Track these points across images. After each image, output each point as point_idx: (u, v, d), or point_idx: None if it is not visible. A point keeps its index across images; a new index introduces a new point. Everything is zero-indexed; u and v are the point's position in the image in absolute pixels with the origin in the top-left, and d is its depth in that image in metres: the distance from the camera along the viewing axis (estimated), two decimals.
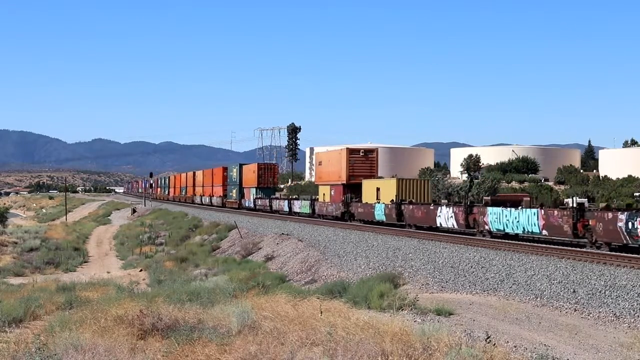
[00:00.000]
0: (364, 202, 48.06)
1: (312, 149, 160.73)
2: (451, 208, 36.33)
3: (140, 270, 45.49)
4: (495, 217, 32.46)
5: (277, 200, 67.39)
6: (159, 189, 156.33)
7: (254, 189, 74.63)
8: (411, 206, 40.68)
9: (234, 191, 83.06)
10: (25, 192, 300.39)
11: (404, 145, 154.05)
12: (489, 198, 38.74)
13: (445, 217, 36.43)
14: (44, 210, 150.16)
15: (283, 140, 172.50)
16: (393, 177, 51.09)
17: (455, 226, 35.69)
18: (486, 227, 33.17)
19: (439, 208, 37.55)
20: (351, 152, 52.19)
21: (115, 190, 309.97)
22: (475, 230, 34.21)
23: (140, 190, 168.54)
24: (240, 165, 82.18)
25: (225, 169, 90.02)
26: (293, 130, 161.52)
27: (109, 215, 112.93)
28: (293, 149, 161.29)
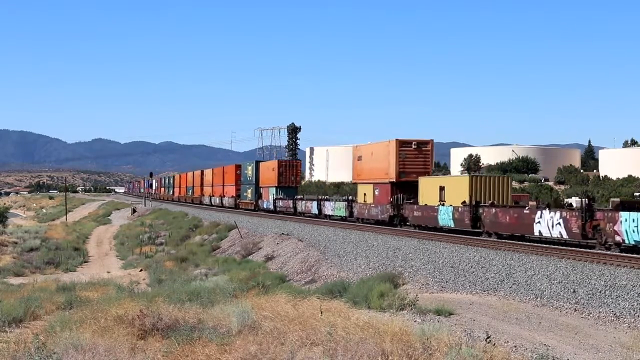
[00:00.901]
0: (421, 203, 40.26)
1: (312, 149, 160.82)
2: (558, 212, 28.84)
3: (141, 270, 45.51)
4: (635, 226, 24.54)
5: (303, 202, 59.96)
6: (162, 189, 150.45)
7: (274, 189, 67.26)
8: (494, 209, 33.04)
9: (249, 191, 75.96)
10: (25, 192, 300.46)
11: None
12: (619, 200, 30.57)
13: (549, 223, 28.99)
14: (44, 210, 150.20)
15: (283, 140, 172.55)
16: (463, 173, 45.83)
17: (565, 236, 28.41)
18: (617, 238, 25.46)
19: (539, 212, 29.81)
20: (402, 144, 43.54)
21: (115, 190, 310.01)
22: (595, 241, 26.73)
23: (142, 190, 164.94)
24: (257, 163, 75.14)
25: (238, 167, 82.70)
26: (293, 130, 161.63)
27: (109, 215, 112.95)
28: (293, 149, 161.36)
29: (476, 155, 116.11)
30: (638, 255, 23.39)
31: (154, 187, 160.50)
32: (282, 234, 44.57)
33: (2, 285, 34.90)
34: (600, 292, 19.90)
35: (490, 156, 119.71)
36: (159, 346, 14.48)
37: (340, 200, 54.06)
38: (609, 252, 24.96)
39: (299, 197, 64.49)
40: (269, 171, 69.49)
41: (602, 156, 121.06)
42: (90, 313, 17.96)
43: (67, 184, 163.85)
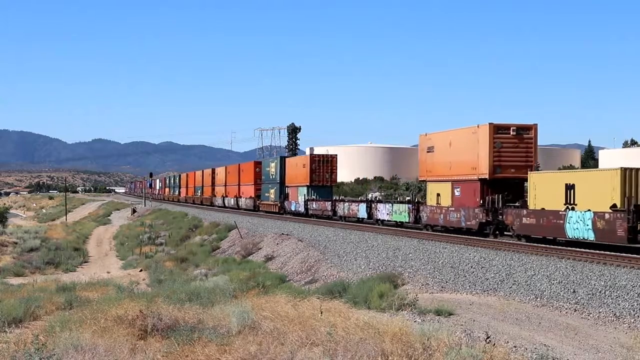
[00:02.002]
0: (534, 207, 30.35)
1: (312, 149, 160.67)
2: None
3: (140, 270, 45.51)
4: None
5: (346, 203, 51.13)
6: (167, 189, 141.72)
7: (305, 189, 57.85)
8: None
9: (272, 191, 66.52)
10: (25, 192, 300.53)
11: (404, 145, 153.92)
12: None
13: None
14: (44, 211, 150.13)
15: (283, 140, 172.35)
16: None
17: None
18: None
19: None
20: (497, 129, 33.82)
21: (115, 190, 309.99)
22: None
23: (144, 191, 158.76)
24: (282, 159, 65.96)
25: (258, 164, 73.77)
26: (293, 130, 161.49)
27: (109, 216, 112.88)
28: (293, 149, 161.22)
29: None
30: (638, 256, 23.38)
31: (157, 188, 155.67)
32: (282, 234, 44.54)
33: (2, 285, 34.88)
34: (600, 292, 19.90)
35: None
36: (159, 346, 14.47)
37: (400, 202, 44.70)
38: (608, 252, 24.94)
39: (340, 198, 57.31)
40: (299, 168, 60.12)
41: (602, 156, 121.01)
42: (90, 313, 17.96)
43: (67, 184, 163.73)
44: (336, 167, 58.41)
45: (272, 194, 66.43)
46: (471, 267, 25.69)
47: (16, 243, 59.15)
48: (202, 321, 16.50)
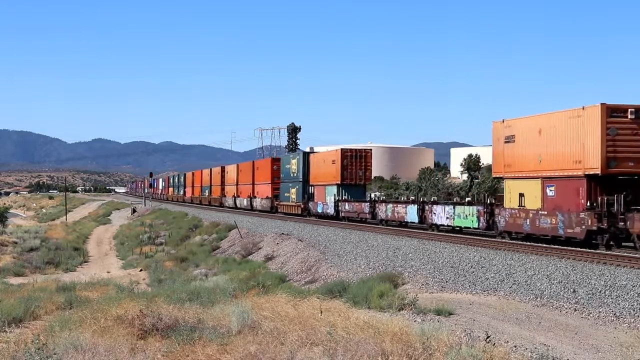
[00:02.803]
0: None
1: (311, 149, 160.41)
2: None
3: (140, 270, 45.54)
4: None
5: (389, 205, 44.15)
6: (170, 189, 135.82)
7: (335, 188, 51.20)
8: None
9: (293, 191, 59.65)
10: (25, 192, 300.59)
11: (404, 145, 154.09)
12: None
13: None
14: (44, 210, 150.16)
15: (283, 140, 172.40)
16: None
17: None
18: None
19: None
20: (611, 112, 27.05)
21: (115, 190, 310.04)
22: None
23: (146, 191, 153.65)
24: (306, 154, 59.13)
25: (275, 161, 67.51)
26: (293, 130, 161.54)
27: (109, 215, 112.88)
28: (293, 149, 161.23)
29: (476, 155, 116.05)
30: (638, 256, 23.38)
31: (160, 187, 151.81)
32: (282, 233, 44.53)
33: (2, 285, 34.90)
34: (600, 292, 19.90)
35: (490, 156, 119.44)
36: (159, 346, 14.48)
37: (466, 204, 37.00)
38: (609, 252, 24.93)
39: (380, 199, 49.64)
40: (327, 165, 53.13)
41: None
42: (90, 313, 17.96)
43: (67, 184, 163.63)
44: (371, 163, 51.69)
45: (293, 193, 59.50)
46: (471, 266, 25.69)
47: (16, 243, 59.13)
48: (202, 321, 16.50)
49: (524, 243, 29.34)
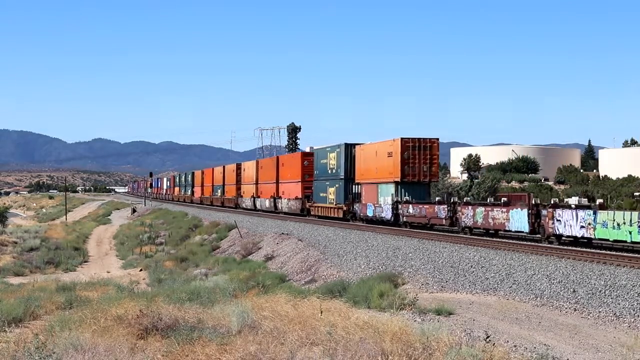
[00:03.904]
0: None
1: (311, 148, 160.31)
2: None
3: (140, 270, 45.57)
4: None
5: (478, 209, 33.97)
6: (176, 189, 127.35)
7: (393, 186, 41.65)
8: None
9: (332, 190, 50.34)
10: (25, 192, 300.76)
11: None
12: None
13: None
14: (44, 210, 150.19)
15: (283, 140, 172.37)
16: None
17: None
18: None
19: None
20: None
21: (115, 190, 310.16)
22: None
23: (149, 190, 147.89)
24: (349, 147, 48.48)
25: (306, 156, 58.54)
26: (293, 130, 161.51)
27: (109, 215, 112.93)
28: (293, 149, 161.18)
29: (476, 155, 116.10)
30: (638, 255, 23.37)
31: (165, 187, 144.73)
32: (282, 233, 44.55)
33: (2, 285, 34.92)
34: (600, 292, 19.90)
35: (490, 156, 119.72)
36: (158, 346, 14.48)
37: (615, 209, 30.16)
38: (609, 252, 24.93)
39: (465, 201, 39.48)
40: (380, 158, 43.60)
41: (602, 156, 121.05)
42: (90, 313, 17.95)
43: (67, 184, 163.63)
44: (437, 156, 42.20)
45: (331, 193, 50.10)
46: (471, 266, 25.69)
47: (16, 242, 59.18)
48: (202, 321, 16.50)
49: (524, 243, 29.34)
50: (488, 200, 35.09)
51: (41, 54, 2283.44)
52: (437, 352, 12.92)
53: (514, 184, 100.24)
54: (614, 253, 24.55)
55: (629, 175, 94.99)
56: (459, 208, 35.49)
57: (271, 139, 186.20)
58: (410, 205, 39.70)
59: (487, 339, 13.78)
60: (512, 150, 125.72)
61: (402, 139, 41.52)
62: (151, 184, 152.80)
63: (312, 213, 54.26)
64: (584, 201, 32.17)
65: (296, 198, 57.82)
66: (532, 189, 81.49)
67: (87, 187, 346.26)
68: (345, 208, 47.84)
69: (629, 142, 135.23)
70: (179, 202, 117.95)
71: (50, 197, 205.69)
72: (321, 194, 52.70)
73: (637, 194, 73.93)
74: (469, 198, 42.31)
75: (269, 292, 21.85)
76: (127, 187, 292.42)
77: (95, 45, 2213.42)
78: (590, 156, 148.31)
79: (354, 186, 47.51)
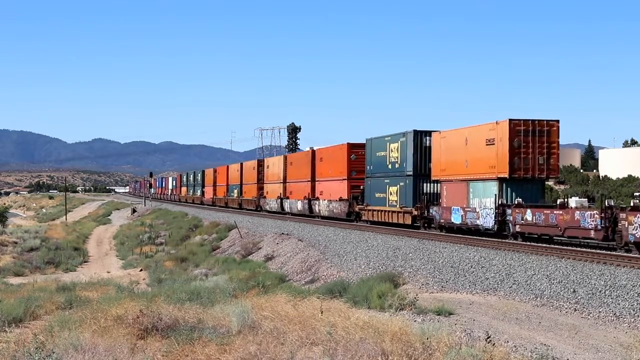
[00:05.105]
0: None
1: (312, 148, 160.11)
2: None
3: (140, 270, 45.58)
4: None
5: None
6: (183, 189, 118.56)
7: (495, 185, 31.99)
8: None
9: (394, 190, 40.53)
10: (25, 192, 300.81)
11: None
12: None
13: None
14: (44, 210, 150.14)
15: (283, 140, 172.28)
16: None
17: None
18: None
19: None
20: None
21: (115, 190, 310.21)
22: None
23: (153, 191, 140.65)
24: (419, 135, 38.77)
25: (354, 148, 48.01)
26: (293, 130, 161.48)
27: (109, 215, 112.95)
28: (293, 149, 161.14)
29: None
30: (638, 255, 23.35)
31: (170, 187, 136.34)
32: (282, 233, 44.52)
33: (2, 285, 34.91)
34: (600, 292, 19.89)
35: None
36: (158, 346, 14.48)
37: None
38: (609, 252, 24.91)
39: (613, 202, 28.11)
40: (475, 147, 33.75)
41: (602, 156, 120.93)
42: (90, 313, 17.96)
43: (67, 184, 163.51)
44: (557, 144, 32.96)
45: (393, 194, 40.70)
46: (471, 266, 25.69)
47: (16, 243, 59.15)
48: (202, 321, 16.50)
49: (524, 243, 29.32)
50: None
51: (41, 54, 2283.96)
52: (437, 352, 12.92)
53: None
54: (614, 253, 24.53)
55: (629, 176, 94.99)
56: (621, 215, 24.59)
57: (271, 139, 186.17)
58: (528, 211, 29.49)
59: (488, 339, 13.78)
60: None
61: (510, 120, 31.54)
62: (151, 185, 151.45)
63: (363, 218, 45.04)
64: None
65: (340, 199, 48.23)
66: None
67: (87, 187, 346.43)
68: (415, 212, 38.20)
69: (629, 142, 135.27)
70: (186, 203, 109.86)
71: (50, 197, 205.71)
72: (377, 195, 42.84)
73: (637, 194, 73.92)
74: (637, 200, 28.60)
75: (269, 292, 21.85)
76: (128, 187, 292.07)
77: (96, 46, 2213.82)
78: (590, 156, 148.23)
79: (425, 184, 38.45)
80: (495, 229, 31.49)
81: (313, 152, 56.57)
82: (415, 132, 38.80)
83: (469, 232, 33.95)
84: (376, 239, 35.78)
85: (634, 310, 18.03)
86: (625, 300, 18.78)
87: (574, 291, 20.48)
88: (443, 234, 27.25)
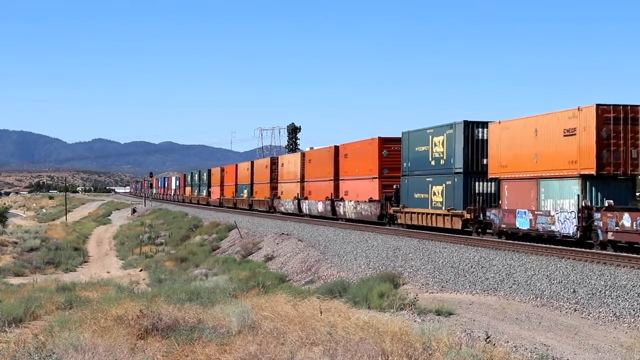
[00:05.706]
0: None
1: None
2: None
3: (140, 270, 45.59)
4: None
5: None
6: (187, 189, 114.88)
7: (577, 183, 27.37)
8: None
9: (438, 190, 36.29)
10: (25, 192, 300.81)
11: None
12: None
13: None
14: (44, 210, 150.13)
15: (283, 140, 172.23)
16: None
17: None
18: None
19: None
20: None
21: (115, 190, 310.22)
22: None
23: (155, 191, 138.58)
24: (471, 125, 34.36)
25: (387, 142, 43.36)
26: (293, 130, 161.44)
27: (109, 215, 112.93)
28: (293, 149, 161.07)
29: None
30: (638, 255, 23.36)
31: (173, 187, 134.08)
32: (282, 233, 44.53)
33: (2, 285, 34.92)
34: (600, 292, 19.89)
35: None
36: (158, 346, 14.48)
37: None
38: (609, 252, 24.91)
39: None
40: (547, 138, 29.05)
41: None
42: (90, 313, 17.96)
43: (67, 184, 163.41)
44: None
45: (438, 194, 36.11)
46: (471, 266, 25.69)
47: (16, 243, 59.17)
48: (202, 321, 16.50)
49: (524, 243, 29.31)
50: None
51: (41, 54, 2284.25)
52: (437, 352, 12.92)
53: None
54: (614, 253, 24.55)
55: None
56: None
57: (271, 139, 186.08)
58: (626, 215, 24.31)
59: (488, 339, 13.78)
60: None
61: (598, 105, 26.62)
62: (151, 185, 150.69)
63: (399, 221, 40.25)
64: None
65: (370, 200, 43.28)
66: None
67: (87, 187, 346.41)
68: (467, 216, 33.38)
69: None
70: (191, 203, 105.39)
71: (50, 197, 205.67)
72: (417, 195, 38.17)
73: (637, 194, 73.87)
74: None
75: (269, 292, 21.84)
76: (128, 187, 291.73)
77: (95, 46, 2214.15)
78: None
79: (478, 183, 33.82)
80: (578, 236, 26.86)
81: (336, 148, 51.13)
82: (466, 123, 34.12)
83: (539, 239, 29.55)
84: (376, 239, 35.79)
85: (634, 311, 18.03)
86: (625, 301, 18.78)
87: (574, 291, 20.48)
88: (503, 240, 23.69)
